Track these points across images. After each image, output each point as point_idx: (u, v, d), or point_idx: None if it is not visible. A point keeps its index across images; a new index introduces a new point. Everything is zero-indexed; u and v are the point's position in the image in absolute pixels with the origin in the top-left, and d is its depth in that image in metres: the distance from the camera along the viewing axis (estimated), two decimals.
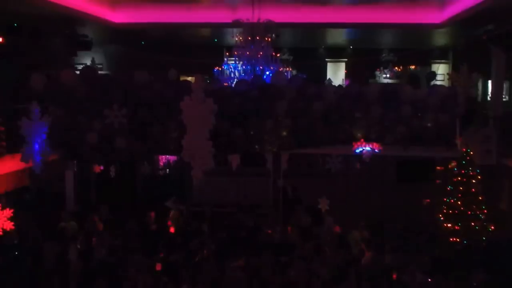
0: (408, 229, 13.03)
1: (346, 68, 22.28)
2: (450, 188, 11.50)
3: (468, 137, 11.78)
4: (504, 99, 16.42)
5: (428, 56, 21.65)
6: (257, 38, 12.51)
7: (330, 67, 22.33)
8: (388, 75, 21.56)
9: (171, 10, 15.91)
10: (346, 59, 22.10)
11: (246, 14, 13.02)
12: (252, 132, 9.85)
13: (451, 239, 11.14)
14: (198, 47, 19.92)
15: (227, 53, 15.34)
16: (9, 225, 10.16)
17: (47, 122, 10.18)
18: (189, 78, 16.00)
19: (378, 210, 13.81)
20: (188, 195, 16.33)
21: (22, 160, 10.34)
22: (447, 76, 18.89)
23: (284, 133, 9.98)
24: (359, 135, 11.41)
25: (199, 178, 6.35)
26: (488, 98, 16.82)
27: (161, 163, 18.32)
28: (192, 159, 6.34)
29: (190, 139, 6.32)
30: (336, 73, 22.06)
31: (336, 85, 13.80)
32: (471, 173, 11.35)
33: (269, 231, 11.85)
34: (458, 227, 11.10)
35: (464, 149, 11.41)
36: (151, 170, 16.74)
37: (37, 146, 10.10)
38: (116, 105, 10.38)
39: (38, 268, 9.92)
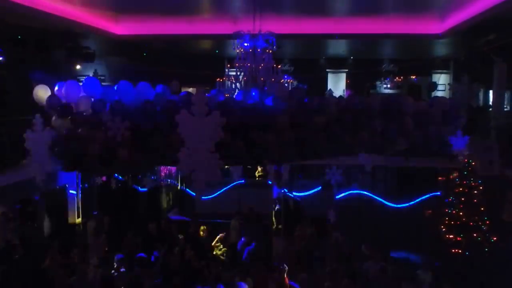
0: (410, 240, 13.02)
1: (347, 79, 22.33)
2: (452, 199, 11.49)
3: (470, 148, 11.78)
4: (505, 109, 16.46)
5: (429, 66, 21.70)
6: (258, 50, 12.54)
7: (331, 77, 22.39)
8: (389, 86, 21.61)
9: (172, 22, 16.02)
10: (346, 70, 22.16)
11: (247, 26, 13.09)
12: (253, 144, 9.83)
13: (453, 251, 11.10)
14: (199, 58, 20.03)
15: (228, 65, 15.40)
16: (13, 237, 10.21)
17: (50, 133, 10.21)
18: (190, 89, 16.04)
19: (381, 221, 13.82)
20: (189, 206, 16.37)
21: (26, 171, 10.37)
22: (448, 87, 18.98)
23: (285, 145, 9.97)
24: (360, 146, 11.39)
25: (201, 191, 6.35)
26: (490, 109, 16.86)
27: (163, 174, 18.34)
28: (193, 172, 6.33)
29: (189, 152, 6.30)
30: (337, 84, 22.12)
31: (337, 96, 13.84)
32: (473, 183, 11.36)
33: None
34: (460, 238, 11.07)
35: (466, 160, 11.40)
36: (153, 181, 16.75)
37: (40, 158, 10.12)
38: (118, 117, 10.39)
39: (41, 279, 9.92)
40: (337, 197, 15.42)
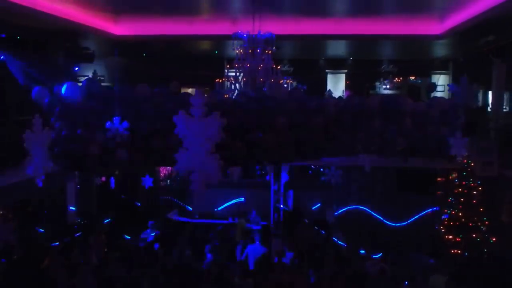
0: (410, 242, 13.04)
1: (347, 79, 22.35)
2: (451, 200, 11.49)
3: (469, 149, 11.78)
4: (504, 110, 16.46)
5: (428, 67, 21.71)
6: (258, 50, 12.56)
7: (330, 78, 22.41)
8: (388, 86, 21.62)
9: (172, 23, 16.02)
10: (346, 71, 22.18)
11: (247, 27, 13.10)
12: (252, 145, 9.86)
13: (452, 251, 11.10)
14: (199, 59, 20.03)
15: (228, 65, 15.39)
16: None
17: (49, 134, 10.22)
18: (189, 90, 16.05)
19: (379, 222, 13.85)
20: (189, 207, 16.39)
21: (25, 172, 10.37)
22: (447, 88, 19.00)
23: (284, 146, 10.00)
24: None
25: (201, 192, 6.35)
26: (489, 109, 16.87)
27: (162, 174, 18.36)
28: (193, 173, 6.34)
29: (186, 153, 6.31)
30: (337, 85, 22.14)
31: (337, 97, 13.86)
32: (472, 184, 11.36)
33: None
34: (459, 239, 11.07)
35: (465, 161, 11.41)
36: (152, 181, 16.77)
37: (39, 159, 10.12)
38: (117, 118, 10.40)
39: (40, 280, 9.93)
40: (335, 213, 15.51)
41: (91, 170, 11.54)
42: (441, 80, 21.80)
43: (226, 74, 14.73)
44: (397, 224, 15.10)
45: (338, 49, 19.81)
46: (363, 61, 21.41)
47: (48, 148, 10.04)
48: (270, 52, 12.55)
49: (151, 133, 10.62)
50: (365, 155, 11.14)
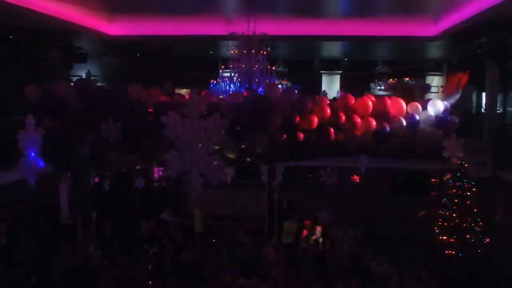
0: (404, 242, 13.05)
1: (341, 80, 22.36)
2: (445, 201, 11.51)
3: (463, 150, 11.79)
4: (498, 111, 16.52)
5: (423, 68, 21.76)
6: (252, 51, 12.53)
7: (325, 79, 22.42)
8: (382, 87, 21.65)
9: (166, 23, 15.98)
10: (341, 71, 22.20)
11: (242, 27, 13.09)
12: (245, 146, 9.81)
13: (446, 252, 11.12)
14: (193, 60, 19.97)
15: (223, 66, 15.36)
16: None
17: (41, 134, 10.14)
18: (184, 91, 15.99)
19: (374, 222, 13.85)
20: (182, 207, 16.31)
21: (18, 173, 10.30)
22: (441, 89, 19.04)
23: (278, 146, 9.96)
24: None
25: (198, 194, 6.32)
26: (483, 111, 16.93)
27: (156, 175, 18.30)
28: (189, 174, 6.30)
29: (180, 155, 6.27)
30: (331, 85, 22.16)
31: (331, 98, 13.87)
32: (466, 185, 11.39)
33: None
34: (454, 240, 11.10)
35: (458, 162, 11.43)
36: (146, 183, 16.69)
37: (32, 159, 10.04)
38: (111, 118, 10.35)
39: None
40: None
41: (82, 171, 11.46)
42: (435, 82, 21.84)
43: (220, 74, 14.66)
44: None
45: (333, 50, 19.84)
46: (358, 62, 21.44)
47: (40, 148, 9.98)
48: (265, 52, 12.52)
49: (145, 134, 10.56)
50: (363, 156, 11.17)
